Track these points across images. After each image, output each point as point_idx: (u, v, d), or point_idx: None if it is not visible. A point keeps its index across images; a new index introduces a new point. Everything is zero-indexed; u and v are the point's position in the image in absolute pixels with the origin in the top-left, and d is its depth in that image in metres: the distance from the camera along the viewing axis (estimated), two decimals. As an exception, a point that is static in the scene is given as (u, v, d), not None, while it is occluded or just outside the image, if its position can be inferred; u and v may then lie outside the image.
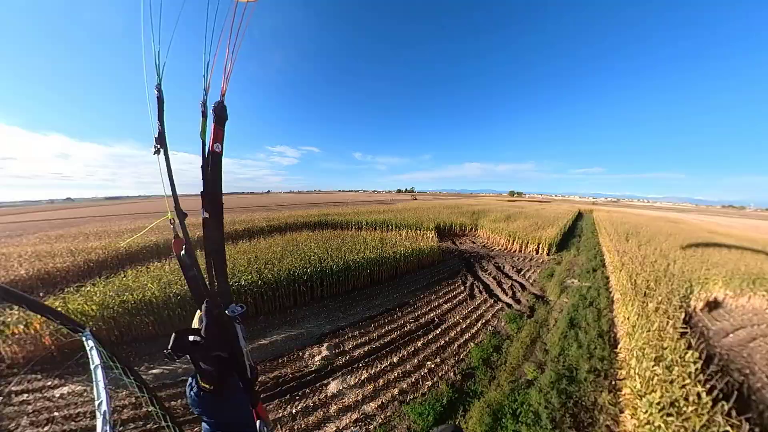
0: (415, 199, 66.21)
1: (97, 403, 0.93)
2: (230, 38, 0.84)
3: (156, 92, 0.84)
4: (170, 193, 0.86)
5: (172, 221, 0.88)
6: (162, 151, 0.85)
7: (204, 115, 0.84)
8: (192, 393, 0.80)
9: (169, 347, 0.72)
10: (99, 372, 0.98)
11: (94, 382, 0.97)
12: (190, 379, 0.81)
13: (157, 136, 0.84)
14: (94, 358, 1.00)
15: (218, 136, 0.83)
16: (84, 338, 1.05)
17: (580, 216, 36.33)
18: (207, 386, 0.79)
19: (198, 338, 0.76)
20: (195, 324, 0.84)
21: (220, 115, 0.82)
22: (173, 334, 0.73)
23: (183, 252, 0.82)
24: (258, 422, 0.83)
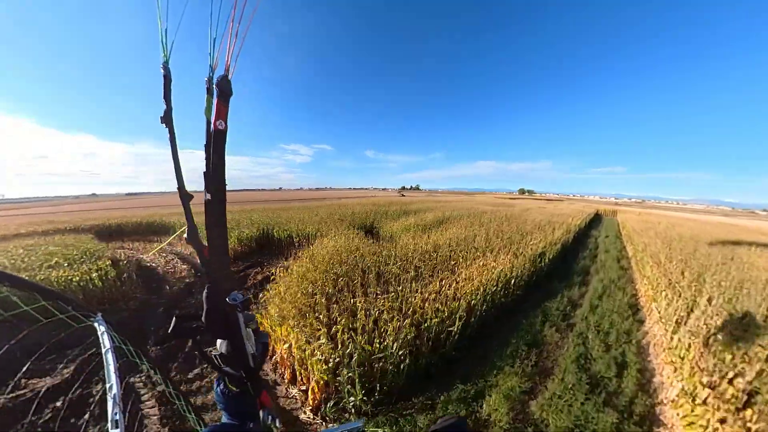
0: (403, 196, 64.68)
1: (107, 386, 0.93)
2: (235, 10, 0.79)
3: (162, 70, 0.81)
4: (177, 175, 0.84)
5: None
6: (168, 132, 0.82)
7: (209, 91, 0.79)
8: (218, 390, 0.85)
9: (170, 330, 0.72)
10: (109, 356, 0.99)
11: (105, 366, 0.97)
12: (218, 377, 0.86)
13: (162, 115, 0.80)
14: (105, 342, 1.01)
15: (221, 113, 0.79)
16: (96, 323, 1.06)
17: (596, 220, 23.02)
18: (233, 388, 0.83)
19: (198, 323, 0.76)
20: None
21: (224, 90, 0.78)
22: (173, 318, 0.72)
23: (185, 235, 0.79)
24: (261, 412, 0.83)
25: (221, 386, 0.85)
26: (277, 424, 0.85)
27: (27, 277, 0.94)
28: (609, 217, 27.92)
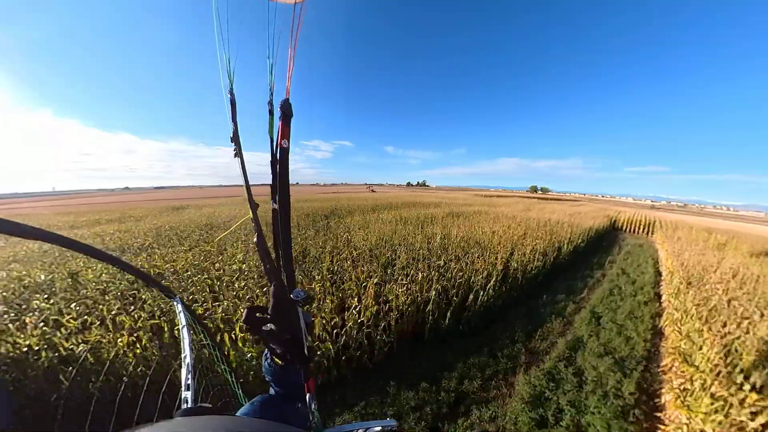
0: (373, 191, 56.93)
1: (183, 356, 1.10)
2: (291, 39, 0.90)
3: (229, 95, 0.93)
4: (246, 188, 0.97)
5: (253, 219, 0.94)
6: (236, 150, 0.94)
7: (271, 113, 0.91)
8: (266, 363, 0.97)
9: (243, 319, 0.86)
10: (185, 331, 1.18)
11: (182, 339, 1.17)
12: (266, 353, 0.97)
13: (231, 136, 0.93)
14: (182, 320, 1.20)
15: (285, 133, 0.89)
16: (175, 302, 1.27)
17: (597, 253, 10.32)
18: (278, 361, 0.93)
19: (266, 315, 0.87)
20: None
21: (286, 112, 0.88)
22: (245, 310, 0.86)
23: (255, 239, 0.89)
24: (308, 395, 0.92)
25: (268, 360, 0.96)
26: (314, 408, 0.91)
27: (126, 261, 1.17)
28: (635, 240, 12.84)
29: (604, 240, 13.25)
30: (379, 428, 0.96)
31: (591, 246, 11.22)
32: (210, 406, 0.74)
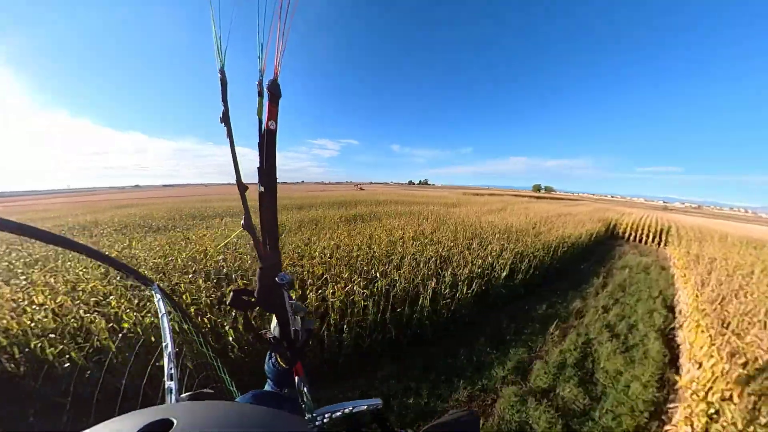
0: (362, 189, 54.84)
1: (163, 345, 1.07)
2: (281, 15, 0.88)
3: (219, 75, 0.92)
4: (234, 171, 0.97)
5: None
6: (227, 130, 0.94)
7: (260, 94, 0.90)
8: (270, 362, 0.98)
9: (228, 303, 0.86)
10: (165, 319, 1.13)
11: (162, 328, 1.12)
12: (269, 353, 0.99)
13: (221, 115, 0.92)
14: (161, 308, 1.16)
15: (272, 114, 0.86)
16: (153, 291, 1.23)
17: (564, 273, 6.49)
18: (283, 365, 0.94)
19: (252, 298, 0.88)
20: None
21: (274, 92, 0.87)
22: (231, 292, 0.86)
23: (242, 222, 0.89)
24: (296, 378, 0.95)
25: (272, 360, 0.96)
26: (305, 390, 0.94)
27: (98, 250, 1.20)
28: (639, 257, 8.87)
29: (588, 257, 8.41)
30: (365, 407, 0.99)
31: (553, 272, 6.61)
32: (212, 391, 0.71)
